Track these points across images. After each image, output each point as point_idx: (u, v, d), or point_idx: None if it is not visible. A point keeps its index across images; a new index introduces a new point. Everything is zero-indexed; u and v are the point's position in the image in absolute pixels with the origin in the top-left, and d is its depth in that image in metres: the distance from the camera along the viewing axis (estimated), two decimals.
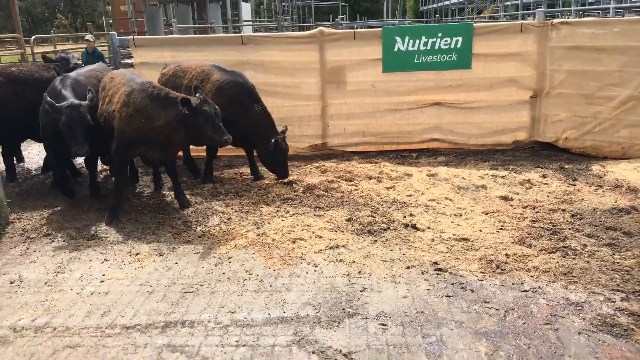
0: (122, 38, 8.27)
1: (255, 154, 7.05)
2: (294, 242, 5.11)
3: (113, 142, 5.88)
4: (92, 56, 11.02)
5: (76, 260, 4.90)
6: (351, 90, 8.14)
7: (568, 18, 10.38)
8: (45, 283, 4.47)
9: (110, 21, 25.45)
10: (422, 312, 3.85)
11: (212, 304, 4.07)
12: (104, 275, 4.60)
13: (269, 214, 5.84)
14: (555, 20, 7.83)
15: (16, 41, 16.99)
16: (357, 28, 21.45)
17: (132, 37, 8.21)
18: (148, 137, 5.68)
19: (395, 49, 7.96)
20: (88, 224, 5.80)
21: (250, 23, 19.36)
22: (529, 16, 23.25)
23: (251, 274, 4.53)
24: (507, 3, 30.64)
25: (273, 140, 6.56)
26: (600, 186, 6.30)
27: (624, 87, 7.39)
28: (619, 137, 7.51)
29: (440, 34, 7.91)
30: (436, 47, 7.92)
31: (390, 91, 8.13)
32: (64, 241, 5.34)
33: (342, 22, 20.27)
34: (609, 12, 13.55)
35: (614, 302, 3.86)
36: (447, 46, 7.91)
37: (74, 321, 3.88)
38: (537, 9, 9.35)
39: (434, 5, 43.45)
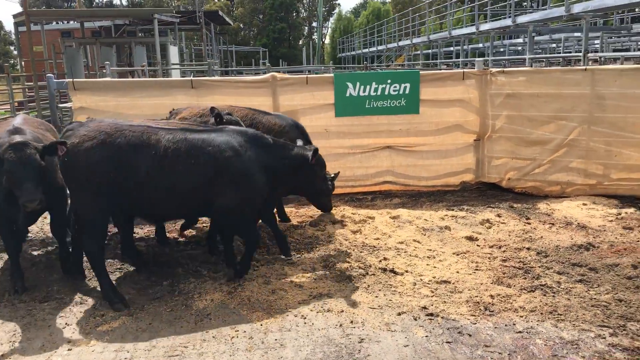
0: (59, 81, 7.76)
1: None
2: (273, 292, 4.87)
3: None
4: None
5: (32, 327, 4.34)
6: None
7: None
8: (2, 356, 3.89)
9: (15, 62, 23.87)
10: None
11: None
12: (69, 342, 4.10)
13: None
14: (494, 69, 8.38)
15: None
16: (283, 73, 21.67)
17: (71, 79, 7.71)
18: None
19: (347, 94, 8.09)
20: (36, 283, 5.20)
21: (178, 66, 19.04)
22: (444, 65, 24.86)
23: (237, 330, 4.24)
24: (417, 52, 32.61)
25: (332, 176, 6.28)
26: (553, 224, 6.66)
27: (559, 133, 7.98)
28: (558, 178, 8.04)
29: (389, 81, 8.17)
30: (386, 92, 8.15)
31: (344, 135, 8.21)
32: (12, 305, 4.73)
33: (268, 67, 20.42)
34: (525, 62, 14.79)
35: (604, 338, 4.00)
36: (396, 92, 8.17)
37: None
38: (476, 59, 9.98)
39: (351, 53, 45.43)
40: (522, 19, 15.76)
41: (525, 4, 23.18)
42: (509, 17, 16.79)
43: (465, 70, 8.44)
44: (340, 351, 3.90)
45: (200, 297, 4.82)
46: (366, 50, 38.34)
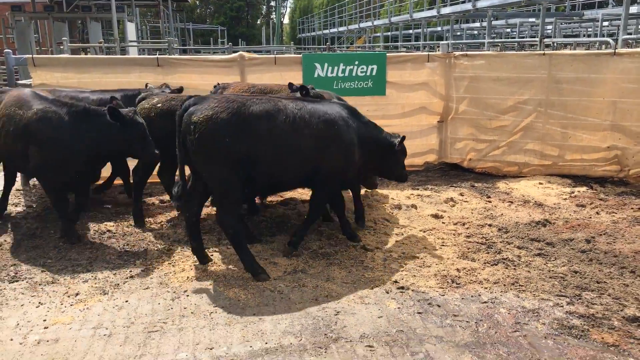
0: (18, 57, 7.48)
1: None
2: None
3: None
4: None
5: (4, 306, 4.28)
6: None
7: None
8: None
9: None
10: (401, 330, 3.96)
11: (185, 342, 3.80)
12: (45, 320, 4.08)
13: (211, 242, 5.60)
14: (457, 53, 8.61)
15: None
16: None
17: (31, 55, 7.45)
18: None
19: (316, 75, 8.16)
20: (4, 264, 5.10)
21: (136, 44, 18.50)
22: (404, 48, 25.16)
23: (216, 306, 4.31)
24: (377, 34, 32.84)
25: None
26: (512, 202, 6.99)
27: (517, 115, 8.31)
28: (515, 158, 8.41)
29: (357, 62, 8.28)
30: (353, 74, 8.28)
31: None
32: None
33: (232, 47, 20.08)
34: (482, 46, 15.17)
35: (562, 306, 4.29)
36: (364, 74, 8.30)
37: None
38: (441, 42, 10.19)
39: (311, 34, 45.20)
40: (481, 4, 16.12)
41: None
42: (469, 1, 17.13)
43: (430, 53, 8.63)
44: (317, 323, 4.05)
45: (175, 275, 4.86)
46: (326, 31, 38.26)
